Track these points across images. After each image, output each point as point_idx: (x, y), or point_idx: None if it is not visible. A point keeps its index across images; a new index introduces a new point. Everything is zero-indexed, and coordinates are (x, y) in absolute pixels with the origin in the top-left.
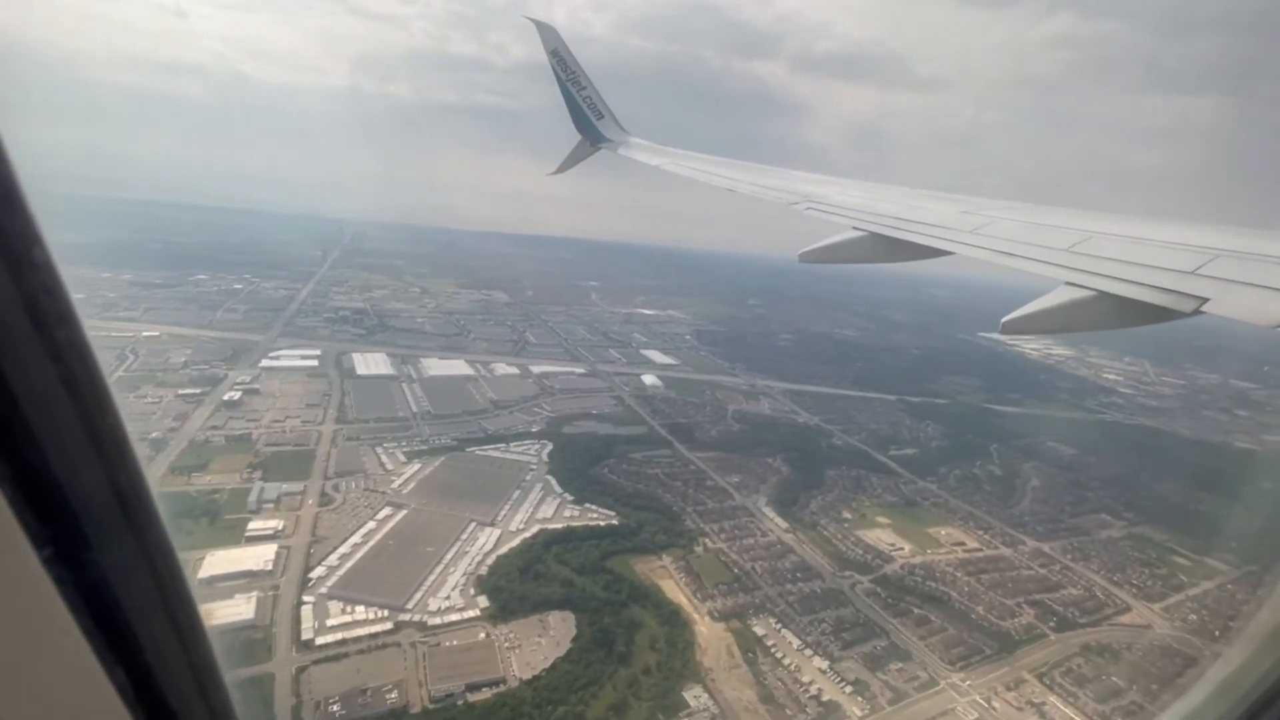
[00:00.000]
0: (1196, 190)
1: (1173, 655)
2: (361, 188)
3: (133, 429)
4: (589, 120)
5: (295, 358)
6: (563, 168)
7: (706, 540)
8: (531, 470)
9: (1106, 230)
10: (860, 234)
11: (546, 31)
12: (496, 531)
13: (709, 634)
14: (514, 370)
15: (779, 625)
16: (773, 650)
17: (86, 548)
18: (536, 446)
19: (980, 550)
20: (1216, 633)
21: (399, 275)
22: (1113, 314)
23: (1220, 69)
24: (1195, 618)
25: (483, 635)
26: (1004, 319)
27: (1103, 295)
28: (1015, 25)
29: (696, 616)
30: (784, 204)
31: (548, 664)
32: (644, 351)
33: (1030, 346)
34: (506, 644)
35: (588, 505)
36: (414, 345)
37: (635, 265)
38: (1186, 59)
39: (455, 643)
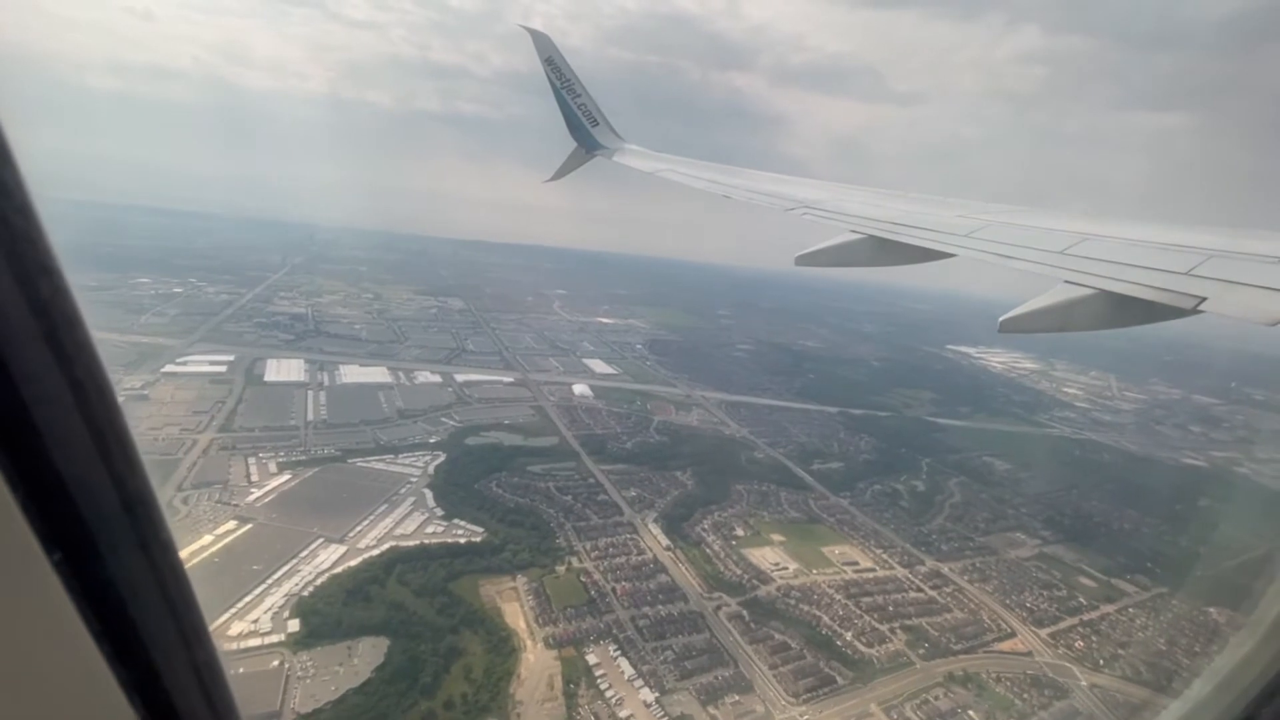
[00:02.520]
0: (1178, 202)
1: (1043, 685)
2: (340, 194)
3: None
4: (584, 127)
5: (204, 363)
6: (558, 175)
7: (573, 559)
8: (410, 483)
9: (1100, 232)
10: (858, 237)
11: (541, 40)
12: (342, 549)
13: (536, 663)
14: (436, 378)
15: (617, 653)
16: (599, 681)
17: (95, 551)
18: (427, 458)
19: (873, 570)
20: (1100, 661)
21: (357, 281)
22: (1111, 313)
23: (1189, 86)
24: (1081, 644)
25: (276, 663)
26: (1001, 318)
27: (1101, 293)
28: (984, 39)
29: (529, 643)
30: (780, 210)
31: (336, 695)
32: (586, 360)
33: (996, 360)
34: (300, 673)
35: (456, 521)
36: (341, 351)
37: (615, 275)
38: (1155, 76)
39: (241, 671)
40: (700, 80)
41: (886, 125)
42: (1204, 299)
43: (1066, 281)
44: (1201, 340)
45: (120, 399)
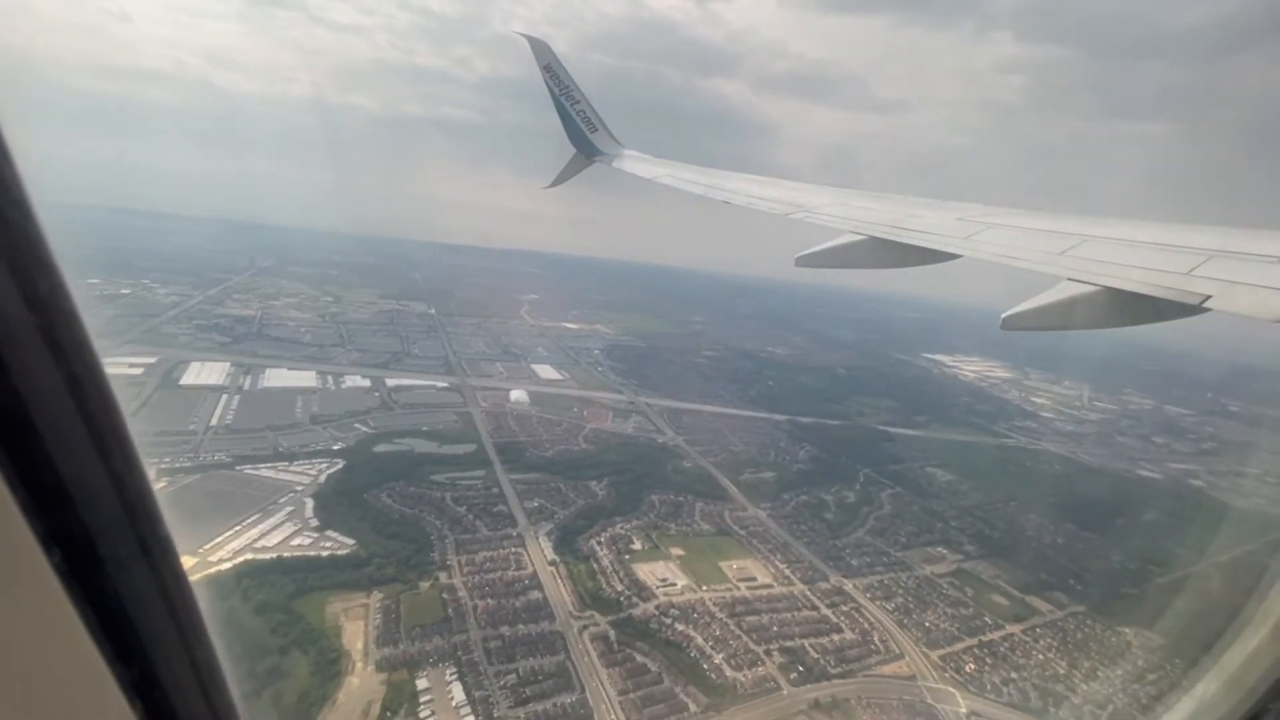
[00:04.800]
0: (1164, 206)
1: (917, 712)
2: (326, 197)
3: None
4: (583, 133)
5: (122, 365)
6: (557, 181)
7: (443, 574)
8: (293, 492)
9: (1100, 234)
10: (858, 238)
11: (539, 47)
12: (191, 562)
13: (359, 687)
14: (365, 383)
15: (454, 677)
16: (422, 708)
17: (95, 552)
18: (324, 465)
19: (770, 587)
20: (988, 686)
21: (321, 284)
22: (1114, 310)
23: (1167, 96)
24: (972, 667)
25: None
26: (1004, 314)
27: (1105, 290)
28: (958, 46)
29: (359, 666)
30: (779, 214)
31: None
32: (535, 366)
33: (969, 368)
34: None
35: (329, 533)
36: (275, 354)
37: (599, 280)
38: (1132, 85)
39: None
40: (684, 86)
41: (871, 133)
42: (1209, 296)
43: (1070, 279)
44: (1190, 350)
45: (119, 399)
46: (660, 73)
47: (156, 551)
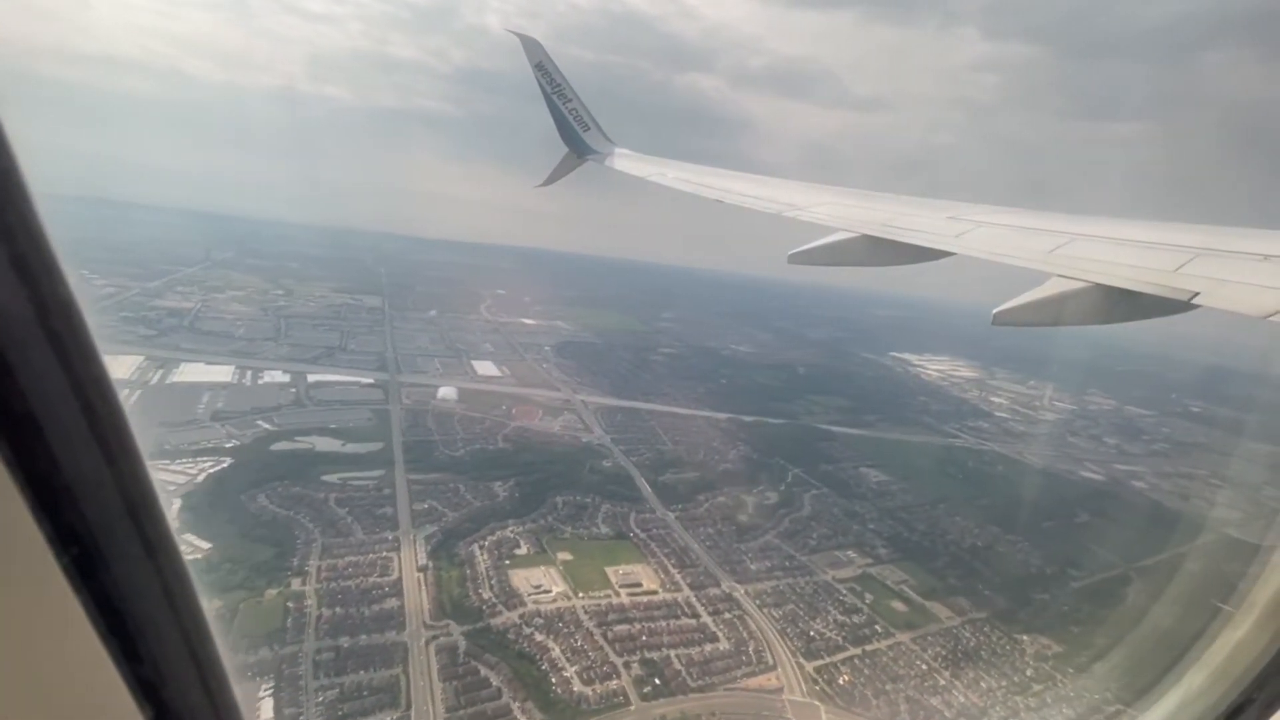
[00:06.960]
0: (1152, 207)
1: None
2: (298, 189)
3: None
4: (575, 132)
5: None
6: (550, 180)
7: (297, 580)
8: (163, 493)
9: (1088, 232)
10: (850, 235)
11: (530, 45)
12: None
13: None
14: (284, 379)
15: (268, 692)
16: None
17: (102, 553)
18: (208, 464)
19: (654, 593)
20: (857, 698)
21: (276, 277)
22: (1105, 306)
23: (1142, 97)
24: (847, 678)
25: None
26: (995, 310)
27: (1096, 286)
28: (930, 43)
29: None
30: (772, 213)
31: None
32: (475, 362)
33: (934, 367)
34: None
35: (186, 536)
36: (198, 348)
37: (578, 277)
38: (1105, 85)
39: None
40: (663, 81)
41: (851, 131)
42: (1197, 293)
43: (1060, 275)
44: (1167, 352)
45: (122, 400)
46: (638, 67)
47: (161, 551)
